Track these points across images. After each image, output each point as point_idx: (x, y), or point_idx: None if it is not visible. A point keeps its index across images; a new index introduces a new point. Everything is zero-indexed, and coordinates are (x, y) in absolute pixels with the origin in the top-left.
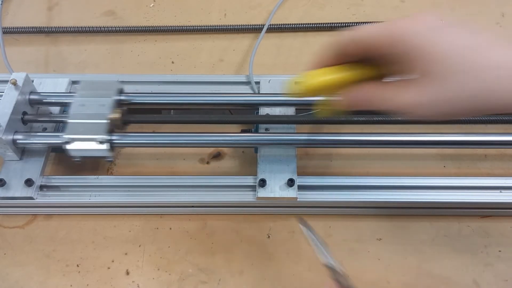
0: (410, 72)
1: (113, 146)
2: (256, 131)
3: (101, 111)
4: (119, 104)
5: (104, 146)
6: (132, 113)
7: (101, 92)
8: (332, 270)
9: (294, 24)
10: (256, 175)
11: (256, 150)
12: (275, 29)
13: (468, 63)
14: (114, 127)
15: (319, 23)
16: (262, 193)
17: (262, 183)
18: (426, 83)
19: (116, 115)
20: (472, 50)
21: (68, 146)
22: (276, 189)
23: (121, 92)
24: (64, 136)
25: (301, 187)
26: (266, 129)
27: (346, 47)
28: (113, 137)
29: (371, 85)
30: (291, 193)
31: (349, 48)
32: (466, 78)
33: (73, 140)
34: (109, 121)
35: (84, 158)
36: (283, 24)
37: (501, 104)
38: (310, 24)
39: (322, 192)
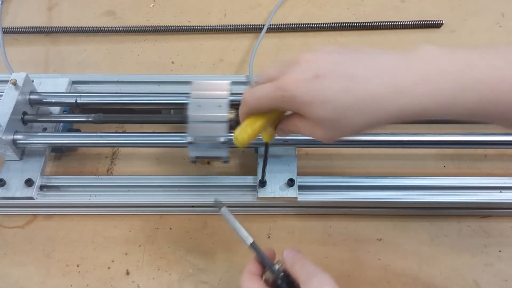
0: (309, 118)
1: (230, 146)
2: None
3: (219, 112)
4: (231, 104)
5: (225, 147)
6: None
7: (215, 93)
8: (256, 251)
9: (294, 24)
10: (256, 175)
11: (256, 150)
12: (275, 29)
13: (348, 102)
14: (229, 128)
15: (319, 23)
16: (262, 193)
17: (262, 183)
18: (327, 125)
19: (232, 116)
20: (347, 92)
21: (190, 147)
22: (276, 189)
23: (231, 93)
24: (188, 137)
25: (301, 187)
26: None
27: (253, 110)
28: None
29: (295, 118)
30: (291, 193)
31: (256, 111)
32: (353, 114)
33: (196, 141)
34: (228, 121)
35: (199, 158)
36: (283, 24)
37: (393, 120)
38: (310, 24)
39: (322, 192)
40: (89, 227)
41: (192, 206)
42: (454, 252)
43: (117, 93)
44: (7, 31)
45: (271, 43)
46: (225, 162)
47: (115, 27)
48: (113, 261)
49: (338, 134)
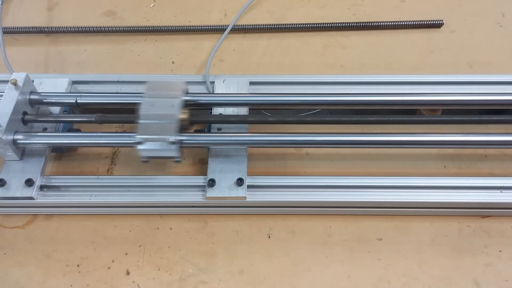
0: None
1: (182, 146)
2: (209, 131)
3: (171, 111)
4: (185, 104)
5: (175, 147)
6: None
7: (169, 93)
8: None
9: (294, 24)
10: (206, 175)
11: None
12: (273, 29)
13: None
14: (181, 128)
15: (319, 23)
16: (210, 193)
17: (211, 183)
18: None
19: (185, 116)
20: None
21: (139, 147)
22: (225, 188)
23: (186, 92)
24: (137, 136)
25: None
26: (219, 129)
27: None
28: (183, 138)
29: None
30: (240, 192)
31: None
32: None
33: (145, 140)
34: (179, 121)
35: (151, 158)
36: (282, 24)
37: None
38: (310, 24)
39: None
40: (89, 227)
41: (192, 206)
42: (454, 252)
43: (117, 93)
44: (7, 31)
45: (273, 43)
46: (177, 162)
47: (115, 27)
48: (113, 261)
49: None
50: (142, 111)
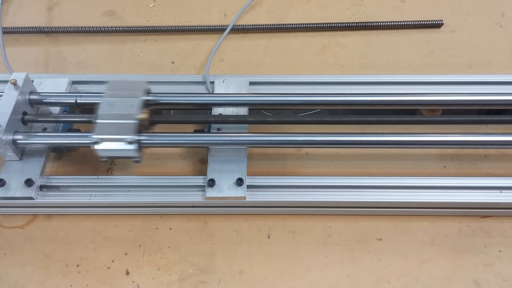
0: None
1: (141, 146)
2: (209, 131)
3: (130, 111)
4: (146, 104)
5: (133, 147)
6: None
7: (129, 93)
8: None
9: (294, 24)
10: (205, 175)
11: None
12: (273, 29)
13: None
14: (142, 128)
15: (319, 23)
16: (210, 193)
17: (211, 183)
18: None
19: (144, 115)
20: None
21: (96, 147)
22: (224, 188)
23: (148, 92)
24: (93, 136)
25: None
26: (218, 129)
27: None
28: (141, 138)
29: None
30: (240, 192)
31: None
32: None
33: (102, 140)
34: (138, 121)
35: (111, 158)
36: (282, 24)
37: None
38: (310, 24)
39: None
40: (89, 227)
41: (192, 206)
42: (454, 252)
43: None
44: (7, 31)
45: (272, 43)
46: (137, 162)
47: (115, 27)
48: (113, 261)
49: None
50: (101, 111)
